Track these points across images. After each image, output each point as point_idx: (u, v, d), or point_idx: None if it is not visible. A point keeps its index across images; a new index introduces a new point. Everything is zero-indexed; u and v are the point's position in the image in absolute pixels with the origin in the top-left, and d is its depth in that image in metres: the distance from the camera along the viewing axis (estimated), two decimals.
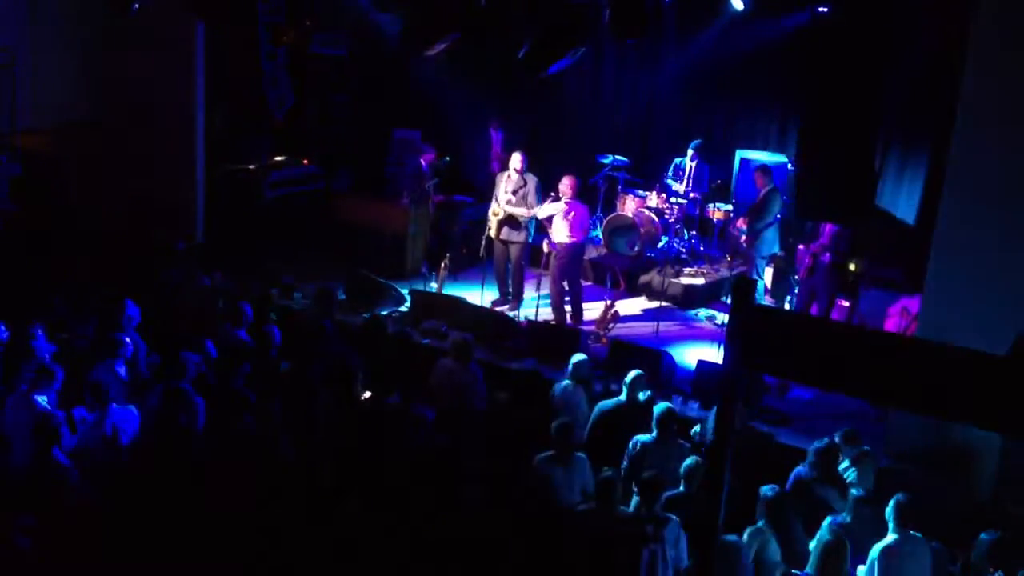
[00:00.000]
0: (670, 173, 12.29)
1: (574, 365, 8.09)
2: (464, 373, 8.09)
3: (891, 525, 6.14)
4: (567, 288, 10.41)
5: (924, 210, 10.91)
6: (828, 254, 9.73)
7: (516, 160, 10.53)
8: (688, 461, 6.62)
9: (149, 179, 11.26)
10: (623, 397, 7.65)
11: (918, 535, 6.16)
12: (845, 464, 7.17)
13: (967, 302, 7.56)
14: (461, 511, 6.11)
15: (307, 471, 6.65)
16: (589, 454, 7.08)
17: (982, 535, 6.13)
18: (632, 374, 7.70)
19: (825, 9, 10.83)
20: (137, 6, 10.44)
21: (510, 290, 10.81)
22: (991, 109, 7.49)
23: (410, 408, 7.26)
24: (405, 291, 10.56)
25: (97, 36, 11.07)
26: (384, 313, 10.02)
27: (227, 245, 11.23)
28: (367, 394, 7.74)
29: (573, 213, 10.21)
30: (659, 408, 7.19)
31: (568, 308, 10.45)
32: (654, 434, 7.09)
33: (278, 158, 12.52)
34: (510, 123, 12.77)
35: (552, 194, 10.30)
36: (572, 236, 10.23)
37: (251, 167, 12.19)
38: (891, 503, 6.17)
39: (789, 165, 11.78)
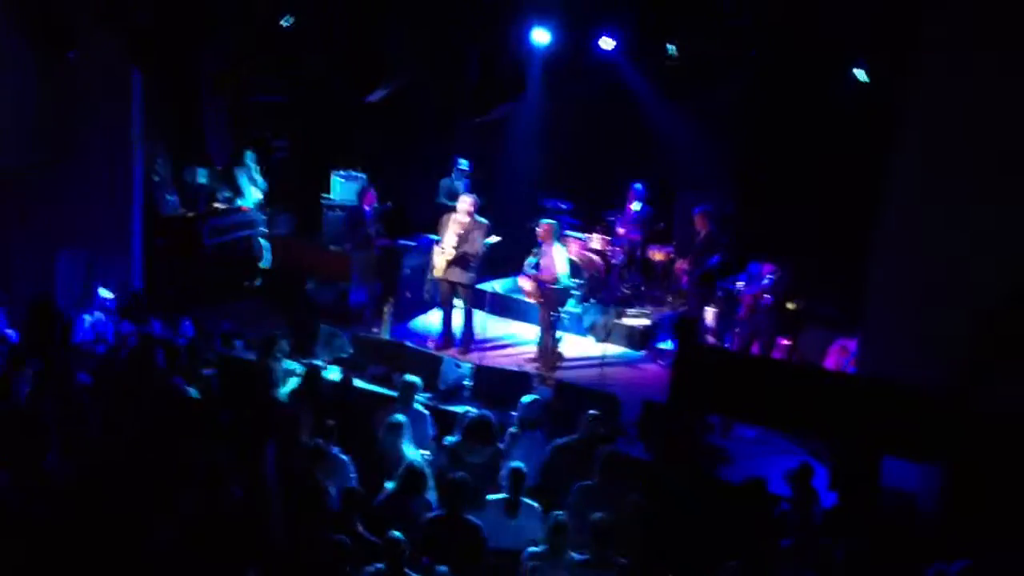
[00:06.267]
0: (613, 215, 12.44)
1: (523, 407, 8.08)
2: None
3: None
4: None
5: (859, 247, 11.12)
6: (769, 295, 9.86)
7: (467, 203, 10.55)
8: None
9: (85, 228, 11.06)
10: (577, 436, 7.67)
11: None
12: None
13: (903, 340, 7.70)
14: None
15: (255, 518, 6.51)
16: (541, 495, 7.06)
17: None
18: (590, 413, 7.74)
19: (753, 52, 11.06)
20: (73, 54, 10.38)
21: (460, 332, 10.78)
22: (923, 144, 7.68)
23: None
24: (348, 337, 10.48)
25: (30, 81, 10.90)
26: (325, 360, 9.90)
27: (166, 293, 11.05)
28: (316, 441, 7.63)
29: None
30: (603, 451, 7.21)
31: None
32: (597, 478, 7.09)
33: (217, 205, 12.40)
34: (452, 166, 12.79)
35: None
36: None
37: (190, 214, 12.06)
38: None
39: (727, 208, 11.94)
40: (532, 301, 10.81)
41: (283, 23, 11.02)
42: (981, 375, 6.99)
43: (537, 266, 10.47)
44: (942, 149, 7.57)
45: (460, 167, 12.54)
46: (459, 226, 10.50)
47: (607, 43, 11.31)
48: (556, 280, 10.38)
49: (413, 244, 12.07)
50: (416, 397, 8.33)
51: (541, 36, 11.30)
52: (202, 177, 12.56)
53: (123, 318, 9.95)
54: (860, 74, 9.96)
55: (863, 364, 8.28)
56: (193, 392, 8.14)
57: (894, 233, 7.89)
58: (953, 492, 7.37)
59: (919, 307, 7.66)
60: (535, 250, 10.58)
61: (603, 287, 12.15)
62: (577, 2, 11.07)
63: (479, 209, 10.59)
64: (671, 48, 11.23)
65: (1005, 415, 4.26)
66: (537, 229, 10.59)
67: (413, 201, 12.95)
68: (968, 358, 7.25)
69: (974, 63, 7.36)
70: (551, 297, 10.46)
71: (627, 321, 11.63)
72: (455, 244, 10.48)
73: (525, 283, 10.62)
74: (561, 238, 11.04)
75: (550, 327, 10.57)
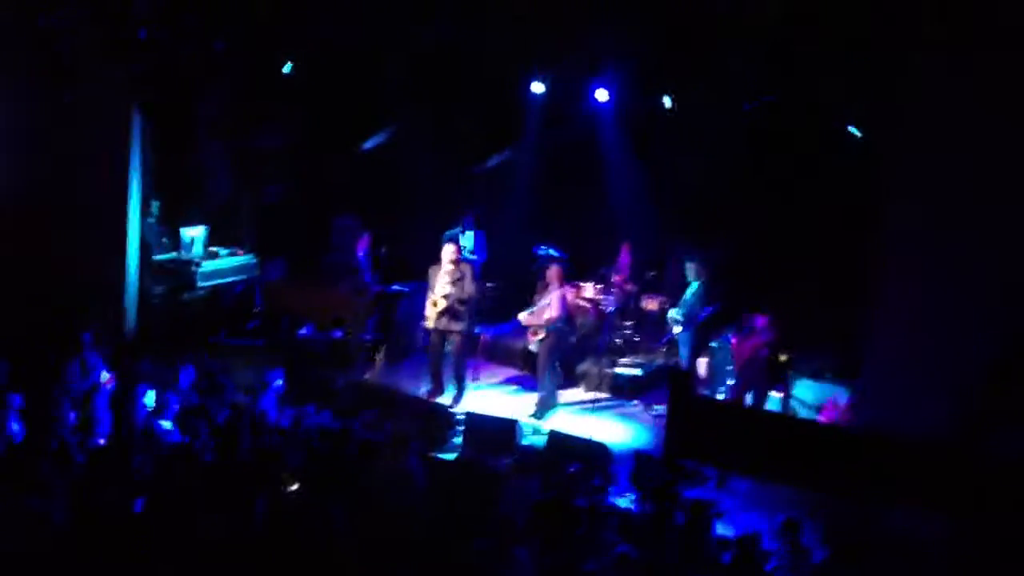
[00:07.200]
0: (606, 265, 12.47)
1: (518, 454, 8.06)
2: (403, 465, 7.97)
3: None
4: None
5: (853, 298, 11.13)
6: (766, 349, 9.87)
7: (450, 252, 10.60)
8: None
9: (77, 268, 11.03)
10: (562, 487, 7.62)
11: None
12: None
13: (901, 391, 7.68)
14: None
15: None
16: (530, 544, 6.99)
17: None
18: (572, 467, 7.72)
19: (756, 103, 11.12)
20: (72, 95, 10.45)
21: (452, 379, 10.75)
22: (920, 192, 7.72)
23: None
24: (341, 382, 10.44)
25: (27, 121, 10.94)
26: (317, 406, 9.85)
27: (159, 336, 11.00)
28: (295, 486, 7.55)
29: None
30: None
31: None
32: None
33: (212, 248, 12.39)
34: (449, 212, 12.82)
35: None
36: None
37: (184, 257, 12.04)
38: None
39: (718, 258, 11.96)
40: (533, 339, 10.80)
41: (284, 70, 11.12)
42: (981, 424, 6.98)
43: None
44: (942, 189, 7.58)
45: (467, 219, 12.63)
46: (448, 275, 10.53)
47: (602, 94, 11.43)
48: (560, 320, 10.42)
49: (407, 290, 12.08)
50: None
51: (537, 87, 11.44)
52: (198, 221, 12.57)
53: (108, 360, 9.88)
54: (855, 131, 10.06)
55: (860, 415, 8.26)
56: (176, 435, 8.13)
57: (892, 288, 7.91)
58: (960, 541, 7.32)
59: (919, 355, 7.65)
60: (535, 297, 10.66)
61: (595, 336, 12.13)
62: (574, 53, 11.19)
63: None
64: (667, 100, 11.33)
65: (1004, 464, 4.25)
66: (547, 272, 10.68)
67: (407, 247, 12.97)
68: (969, 407, 7.23)
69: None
70: (553, 338, 10.46)
71: (620, 370, 11.61)
72: (446, 293, 10.49)
73: (529, 320, 10.66)
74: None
75: (549, 372, 10.56)
